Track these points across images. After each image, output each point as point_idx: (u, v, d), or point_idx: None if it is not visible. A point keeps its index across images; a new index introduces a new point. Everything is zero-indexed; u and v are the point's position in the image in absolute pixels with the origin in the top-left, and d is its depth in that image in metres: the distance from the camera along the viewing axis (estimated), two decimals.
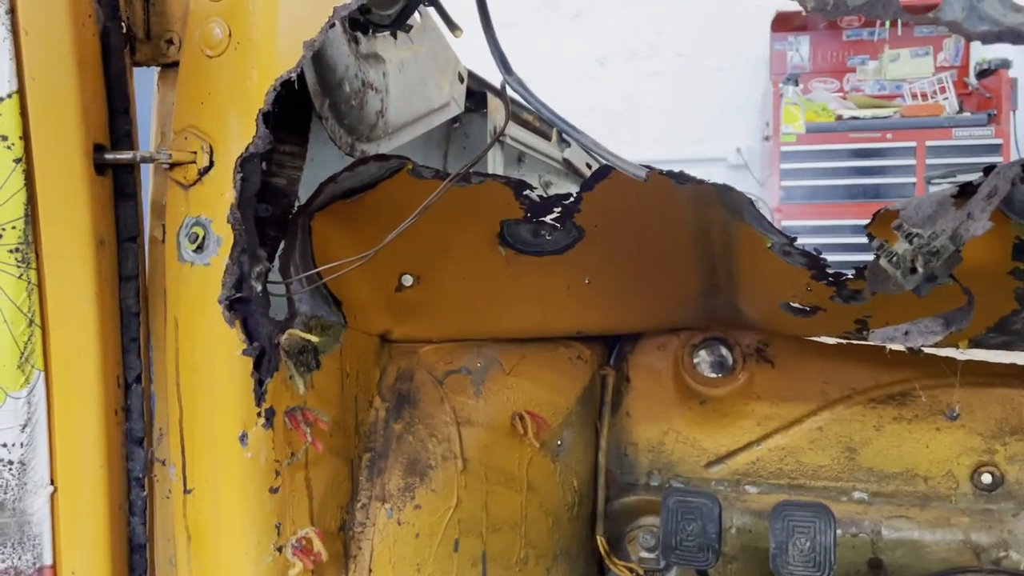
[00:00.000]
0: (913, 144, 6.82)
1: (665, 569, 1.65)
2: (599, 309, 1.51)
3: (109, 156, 1.04)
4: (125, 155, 1.04)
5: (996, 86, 7.00)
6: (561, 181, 2.32)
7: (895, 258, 0.89)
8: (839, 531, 1.49)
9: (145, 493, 1.11)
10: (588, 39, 8.39)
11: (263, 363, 1.07)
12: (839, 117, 7.11)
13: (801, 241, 1.13)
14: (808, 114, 7.04)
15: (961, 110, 7.14)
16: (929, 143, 6.78)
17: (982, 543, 1.50)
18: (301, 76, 1.01)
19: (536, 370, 1.54)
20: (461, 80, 1.58)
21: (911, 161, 6.81)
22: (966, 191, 0.92)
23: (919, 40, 7.50)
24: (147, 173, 1.12)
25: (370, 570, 1.33)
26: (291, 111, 1.09)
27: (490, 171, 1.75)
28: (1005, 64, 7.05)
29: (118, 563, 1.08)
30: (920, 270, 0.86)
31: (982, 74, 7.20)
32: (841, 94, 7.51)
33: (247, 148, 1.00)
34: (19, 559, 1.01)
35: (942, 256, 0.85)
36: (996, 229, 0.88)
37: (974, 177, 0.92)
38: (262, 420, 1.07)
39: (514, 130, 1.98)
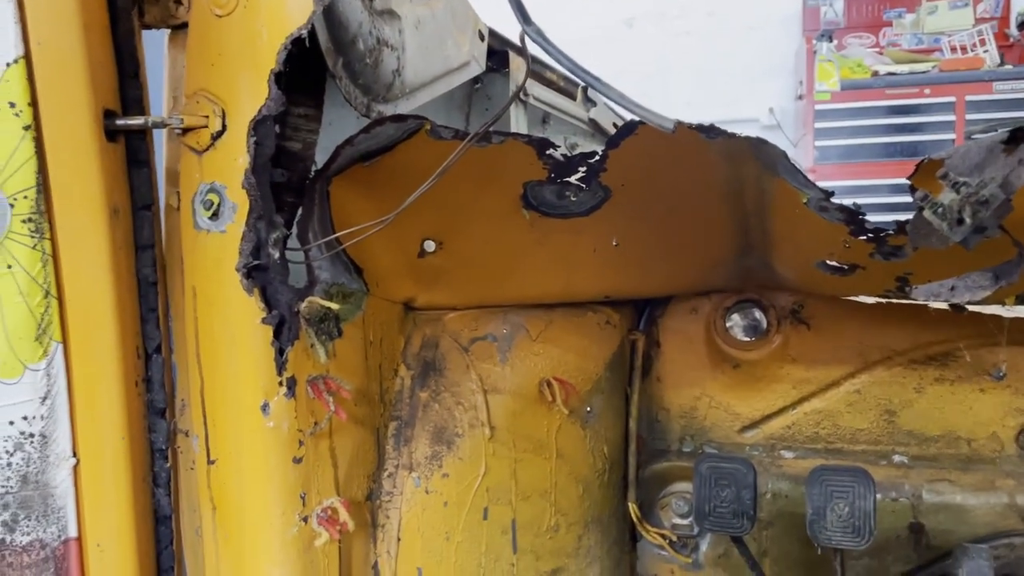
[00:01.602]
0: (952, 99, 6.61)
1: (699, 536, 1.62)
2: (628, 272, 1.47)
3: (120, 122, 1.02)
4: (136, 121, 1.02)
5: None
6: (587, 142, 2.27)
7: (941, 209, 0.83)
8: (879, 496, 1.44)
9: (169, 464, 1.10)
10: (615, 2, 8.22)
11: (283, 332, 1.05)
12: (875, 73, 6.90)
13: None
14: (843, 71, 6.85)
15: (1002, 63, 6.91)
16: (969, 98, 6.57)
17: None
18: (312, 34, 0.97)
19: (564, 336, 1.51)
20: (482, 38, 1.53)
21: (951, 117, 6.61)
22: (1017, 137, 0.86)
23: None
24: (161, 139, 1.10)
25: (398, 539, 1.32)
26: (305, 72, 1.06)
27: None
28: None
29: (143, 534, 1.08)
30: (968, 221, 0.81)
31: None
32: (877, 49, 7.30)
33: (259, 111, 0.97)
34: (44, 531, 1.01)
35: (992, 205, 0.80)
36: None
37: None
38: (283, 389, 1.05)
39: (538, 90, 1.93)
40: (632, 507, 1.60)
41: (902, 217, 1.00)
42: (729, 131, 1.03)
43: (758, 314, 1.61)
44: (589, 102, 2.19)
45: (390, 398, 1.37)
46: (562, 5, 7.77)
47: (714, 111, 7.59)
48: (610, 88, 0.93)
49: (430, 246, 1.31)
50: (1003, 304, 1.30)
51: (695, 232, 1.36)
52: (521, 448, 1.43)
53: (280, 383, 1.04)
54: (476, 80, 1.71)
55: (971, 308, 1.38)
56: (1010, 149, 0.86)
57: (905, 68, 6.87)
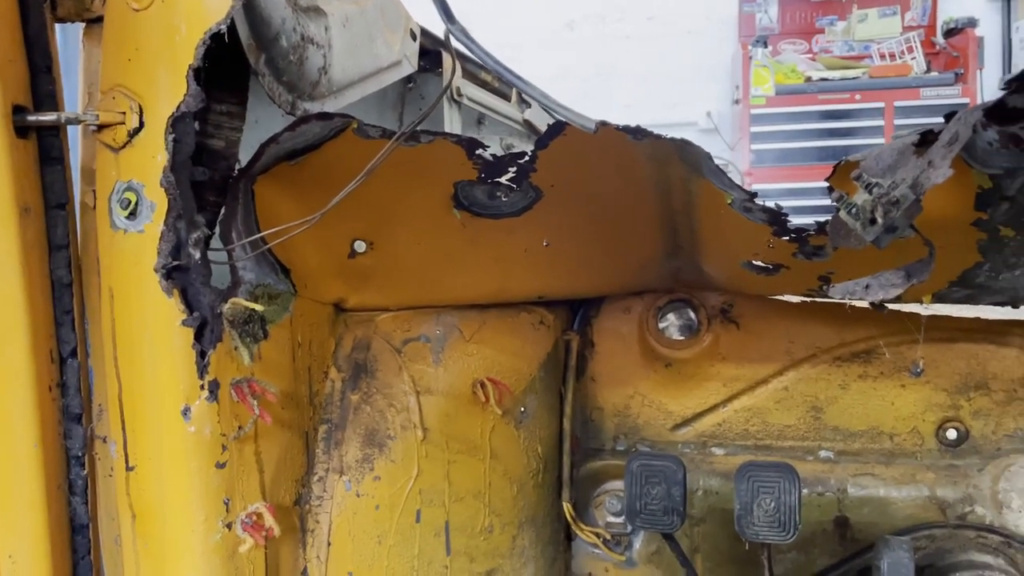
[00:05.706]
0: (881, 105, 6.83)
1: (632, 534, 1.63)
2: (560, 273, 1.48)
3: (31, 118, 0.98)
4: (49, 116, 0.99)
5: (963, 45, 7.02)
6: (523, 143, 2.27)
7: (855, 209, 0.86)
8: (805, 490, 1.47)
9: (86, 472, 1.07)
10: (556, 4, 8.28)
11: (205, 334, 1.03)
12: (808, 79, 7.10)
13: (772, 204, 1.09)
14: (777, 76, 7.02)
15: (929, 70, 7.16)
16: (897, 103, 6.79)
17: (948, 499, 1.49)
18: (232, 29, 0.95)
19: (497, 336, 1.51)
20: (413, 38, 1.52)
21: (880, 122, 6.82)
22: (927, 139, 0.89)
23: (887, 0, 7.48)
24: (76, 136, 1.06)
25: (329, 543, 1.30)
26: (227, 68, 1.04)
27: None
28: (972, 23, 7.07)
29: (59, 545, 1.04)
30: (880, 221, 0.83)
31: (949, 33, 7.22)
32: (810, 55, 7.50)
33: (178, 107, 0.95)
34: None
35: (902, 206, 0.82)
36: (958, 177, 0.86)
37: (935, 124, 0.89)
38: (205, 393, 1.02)
39: (473, 91, 1.92)
40: (566, 506, 1.60)
41: (823, 218, 1.03)
42: (655, 132, 1.04)
43: (690, 313, 1.63)
44: (524, 103, 2.20)
45: (320, 401, 1.35)
46: (504, 8, 7.80)
47: (653, 114, 7.70)
48: (535, 88, 0.93)
49: (360, 246, 1.29)
50: (921, 302, 1.34)
51: (625, 232, 1.37)
52: (454, 449, 1.42)
53: (202, 387, 1.02)
54: (409, 79, 1.70)
55: (891, 306, 1.42)
56: (921, 151, 0.88)
57: (837, 74, 7.07)
